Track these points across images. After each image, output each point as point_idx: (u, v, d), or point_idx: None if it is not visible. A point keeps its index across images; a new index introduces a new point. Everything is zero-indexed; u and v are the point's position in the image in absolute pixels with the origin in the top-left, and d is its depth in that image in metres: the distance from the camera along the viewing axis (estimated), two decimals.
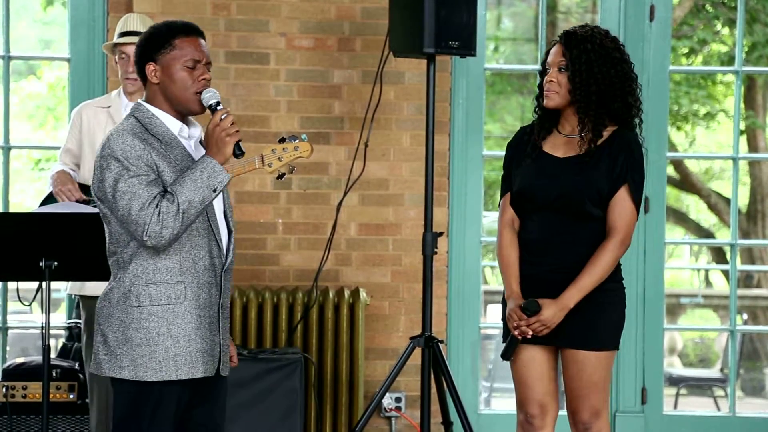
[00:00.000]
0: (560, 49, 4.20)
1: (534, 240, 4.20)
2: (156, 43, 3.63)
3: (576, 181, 4.14)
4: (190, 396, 3.64)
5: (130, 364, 3.54)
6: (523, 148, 4.27)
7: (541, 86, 4.28)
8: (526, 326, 4.11)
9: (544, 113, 4.27)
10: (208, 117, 3.64)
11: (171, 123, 3.64)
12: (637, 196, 4.16)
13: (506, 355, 4.19)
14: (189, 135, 3.69)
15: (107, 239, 3.64)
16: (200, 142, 3.73)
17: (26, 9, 15.37)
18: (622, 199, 4.14)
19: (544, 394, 4.23)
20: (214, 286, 3.64)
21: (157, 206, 3.47)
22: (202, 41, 3.67)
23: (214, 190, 3.54)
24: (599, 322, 4.16)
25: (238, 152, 3.61)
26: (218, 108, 3.62)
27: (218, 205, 3.71)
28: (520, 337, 4.14)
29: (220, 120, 3.58)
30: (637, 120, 4.23)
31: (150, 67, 3.63)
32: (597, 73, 4.14)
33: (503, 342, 4.23)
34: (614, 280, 4.19)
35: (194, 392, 3.65)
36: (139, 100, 3.69)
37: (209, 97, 3.64)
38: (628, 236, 4.15)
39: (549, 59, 4.23)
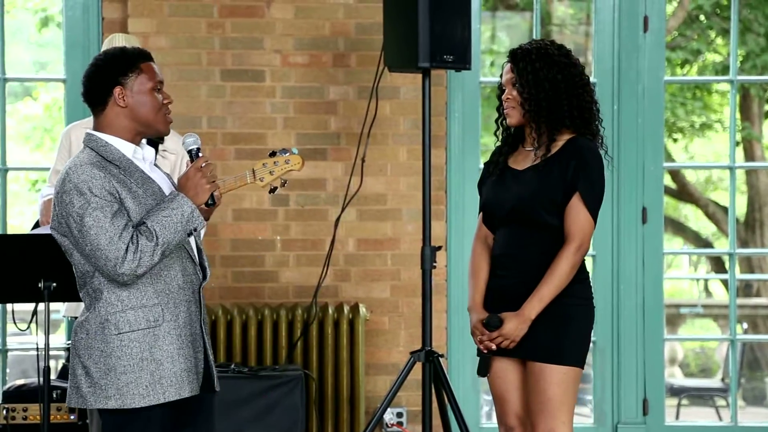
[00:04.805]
0: (509, 66, 4.24)
1: (499, 253, 4.23)
2: (122, 67, 3.62)
3: (527, 191, 4.15)
4: (179, 415, 3.62)
5: (116, 393, 3.51)
6: (493, 166, 4.32)
7: (500, 106, 4.32)
8: (488, 341, 4.14)
9: (510, 131, 4.31)
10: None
11: (124, 147, 3.62)
12: (591, 202, 4.11)
13: (482, 371, 4.22)
14: (143, 157, 3.67)
15: (75, 272, 3.62)
16: (155, 164, 3.73)
17: (21, 31, 15.38)
18: (575, 205, 4.10)
19: (521, 406, 4.20)
20: (194, 303, 3.63)
21: (132, 242, 3.46)
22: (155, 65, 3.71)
23: (189, 234, 3.56)
24: (563, 338, 4.11)
25: (210, 202, 3.65)
26: (200, 155, 3.67)
27: None
28: (485, 351, 4.17)
29: (202, 166, 3.60)
30: (596, 125, 4.19)
31: (118, 90, 3.60)
32: (543, 80, 4.15)
33: (477, 355, 4.25)
34: (582, 296, 4.15)
35: (182, 411, 3.63)
36: (89, 130, 3.66)
37: (191, 142, 3.69)
38: (584, 243, 4.10)
39: (503, 79, 4.27)
